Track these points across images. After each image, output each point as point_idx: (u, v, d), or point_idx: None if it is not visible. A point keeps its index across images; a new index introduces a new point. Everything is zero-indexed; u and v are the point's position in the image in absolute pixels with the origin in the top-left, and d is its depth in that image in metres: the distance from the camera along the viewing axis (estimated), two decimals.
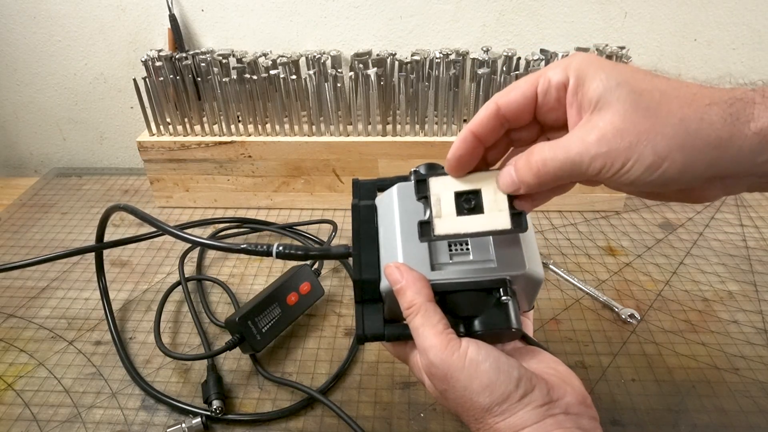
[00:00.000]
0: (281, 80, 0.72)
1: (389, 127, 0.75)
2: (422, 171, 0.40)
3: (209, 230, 0.77)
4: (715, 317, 0.60)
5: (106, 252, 0.67)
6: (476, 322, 0.36)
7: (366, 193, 0.41)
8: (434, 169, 0.41)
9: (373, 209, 0.40)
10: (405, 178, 0.40)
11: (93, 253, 0.63)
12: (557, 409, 0.32)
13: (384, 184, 0.41)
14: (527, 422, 0.31)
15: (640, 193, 0.33)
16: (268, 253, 0.41)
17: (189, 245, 0.72)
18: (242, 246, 0.42)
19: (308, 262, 0.64)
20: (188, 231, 0.46)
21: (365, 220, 0.39)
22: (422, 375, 0.36)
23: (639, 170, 0.28)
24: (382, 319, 0.37)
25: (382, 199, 0.40)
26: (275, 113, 0.74)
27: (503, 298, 0.35)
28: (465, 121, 0.75)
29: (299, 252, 0.41)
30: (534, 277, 0.36)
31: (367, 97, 0.72)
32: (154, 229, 0.67)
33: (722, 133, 0.27)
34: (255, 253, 0.42)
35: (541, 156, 0.30)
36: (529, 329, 0.40)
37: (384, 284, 0.36)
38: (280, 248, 0.41)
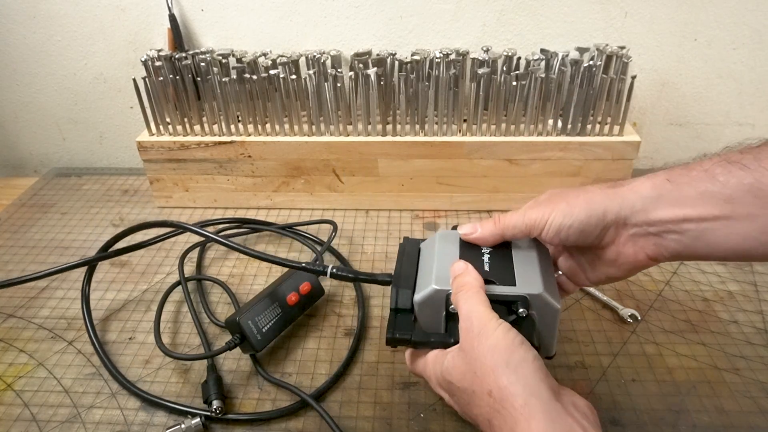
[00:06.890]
0: (281, 80, 0.72)
1: (389, 127, 0.75)
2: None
3: (209, 230, 0.77)
4: (715, 317, 0.60)
5: None
6: None
7: (410, 245, 0.49)
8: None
9: (417, 251, 0.48)
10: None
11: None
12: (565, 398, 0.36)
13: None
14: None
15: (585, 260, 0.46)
16: (324, 272, 0.49)
17: (188, 246, 0.72)
18: (303, 264, 0.50)
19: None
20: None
21: (408, 259, 0.47)
22: (436, 370, 0.40)
23: (556, 224, 0.41)
24: (412, 325, 0.42)
25: (426, 243, 0.48)
26: (275, 113, 0.74)
27: (521, 311, 0.39)
28: (465, 121, 0.75)
29: (350, 275, 0.50)
30: (549, 302, 0.40)
31: (367, 97, 0.72)
32: (154, 236, 0.68)
33: (605, 202, 0.41)
34: (312, 271, 0.50)
35: (504, 220, 0.44)
36: None
37: (417, 296, 0.42)
38: (334, 270, 0.49)
